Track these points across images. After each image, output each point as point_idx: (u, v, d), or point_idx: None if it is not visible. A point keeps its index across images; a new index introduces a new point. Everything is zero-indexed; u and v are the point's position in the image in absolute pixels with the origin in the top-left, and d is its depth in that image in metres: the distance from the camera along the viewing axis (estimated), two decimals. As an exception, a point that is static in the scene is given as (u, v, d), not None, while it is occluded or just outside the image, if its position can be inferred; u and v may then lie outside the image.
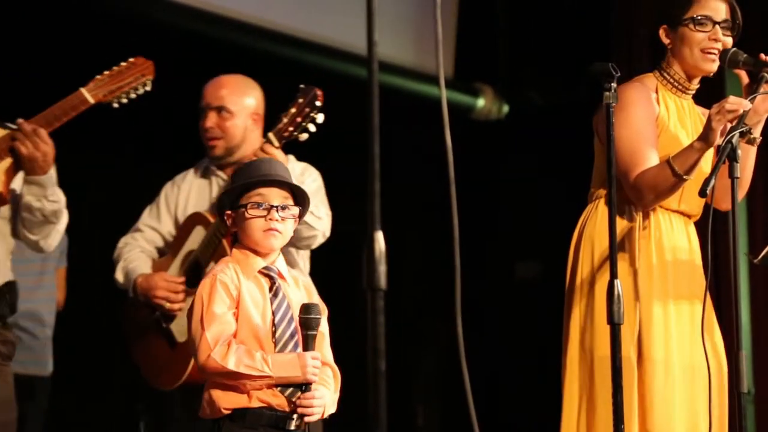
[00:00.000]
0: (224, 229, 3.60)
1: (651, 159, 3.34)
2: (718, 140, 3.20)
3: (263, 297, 3.05)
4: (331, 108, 3.84)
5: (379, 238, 2.18)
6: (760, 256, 3.40)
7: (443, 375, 6.24)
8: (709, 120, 3.22)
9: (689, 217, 3.47)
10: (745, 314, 5.42)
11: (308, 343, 3.01)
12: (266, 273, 3.09)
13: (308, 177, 3.76)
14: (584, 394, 3.41)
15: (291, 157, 3.80)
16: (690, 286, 3.40)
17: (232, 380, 2.96)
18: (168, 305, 3.72)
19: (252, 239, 3.07)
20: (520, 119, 6.44)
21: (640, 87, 3.45)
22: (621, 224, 3.42)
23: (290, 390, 3.00)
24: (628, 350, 3.35)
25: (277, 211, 3.05)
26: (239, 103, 3.79)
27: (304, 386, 2.99)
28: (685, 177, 3.29)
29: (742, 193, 3.48)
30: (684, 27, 3.41)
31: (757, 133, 3.39)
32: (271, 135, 3.63)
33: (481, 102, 6.40)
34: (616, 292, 3.13)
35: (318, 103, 3.59)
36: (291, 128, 3.60)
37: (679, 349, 3.37)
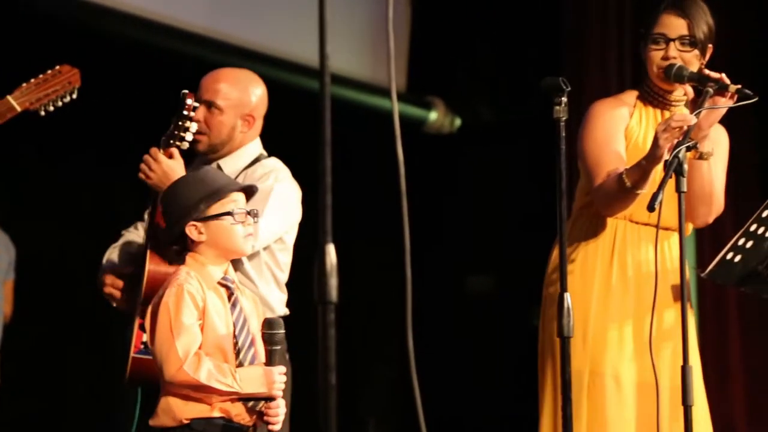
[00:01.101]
0: (150, 241, 3.56)
1: (612, 169, 3.39)
2: (666, 156, 3.24)
3: (224, 308, 3.05)
4: (284, 120, 3.84)
5: (331, 251, 2.17)
6: (708, 270, 3.44)
7: (394, 388, 6.24)
8: (656, 138, 3.27)
9: (666, 230, 3.48)
10: (693, 328, 5.47)
11: (273, 359, 3.02)
12: (224, 283, 3.08)
13: (264, 182, 3.70)
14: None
15: (273, 160, 3.75)
16: (661, 297, 3.39)
17: (199, 393, 2.95)
18: (114, 303, 3.70)
19: (229, 247, 3.08)
20: (472, 133, 6.47)
21: (609, 101, 3.52)
22: (588, 238, 3.45)
23: (252, 402, 3.00)
24: (580, 363, 3.38)
25: (250, 215, 3.10)
26: (229, 100, 3.68)
27: (267, 399, 3.01)
28: (635, 191, 3.33)
29: (714, 211, 3.52)
30: (646, 45, 3.47)
31: (705, 147, 3.43)
32: (162, 140, 3.60)
33: (433, 115, 6.42)
34: (565, 305, 3.16)
35: (185, 112, 3.50)
36: (170, 134, 3.55)
37: (639, 365, 3.40)
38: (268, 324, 3.03)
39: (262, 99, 3.76)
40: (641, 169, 3.31)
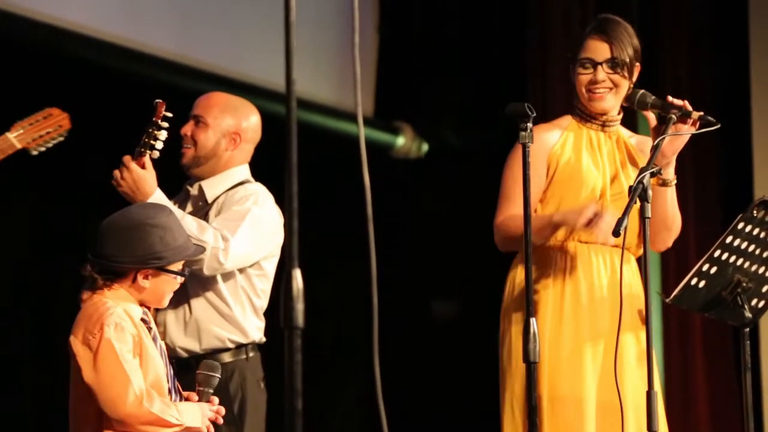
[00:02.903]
0: None
1: (516, 206, 3.44)
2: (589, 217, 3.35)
3: (151, 344, 3.04)
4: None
5: (297, 275, 2.17)
6: (672, 296, 3.46)
7: (361, 415, 6.22)
8: (568, 218, 3.40)
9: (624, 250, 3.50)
10: (658, 353, 5.50)
11: (201, 400, 3.08)
12: (144, 319, 3.08)
13: (242, 204, 3.70)
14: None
15: (257, 185, 3.76)
16: (615, 321, 3.39)
17: (153, 427, 2.93)
18: None
19: (159, 300, 3.09)
20: (439, 157, 6.49)
21: (542, 127, 3.55)
22: (538, 264, 3.47)
23: None
24: (539, 388, 3.38)
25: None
26: (218, 118, 3.74)
27: None
28: (535, 242, 3.40)
29: (673, 234, 3.55)
30: (575, 69, 3.53)
31: (668, 174, 3.46)
32: (135, 150, 3.62)
33: (400, 140, 6.44)
34: (531, 331, 3.16)
35: (155, 120, 3.53)
36: (141, 143, 3.56)
37: (601, 388, 3.40)
38: (206, 366, 3.09)
39: (253, 125, 3.81)
40: (548, 228, 3.42)
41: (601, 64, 3.49)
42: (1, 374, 4.96)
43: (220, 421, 3.10)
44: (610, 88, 3.50)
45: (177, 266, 3.07)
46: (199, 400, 3.06)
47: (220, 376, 3.10)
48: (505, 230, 3.49)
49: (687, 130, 3.42)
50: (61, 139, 3.62)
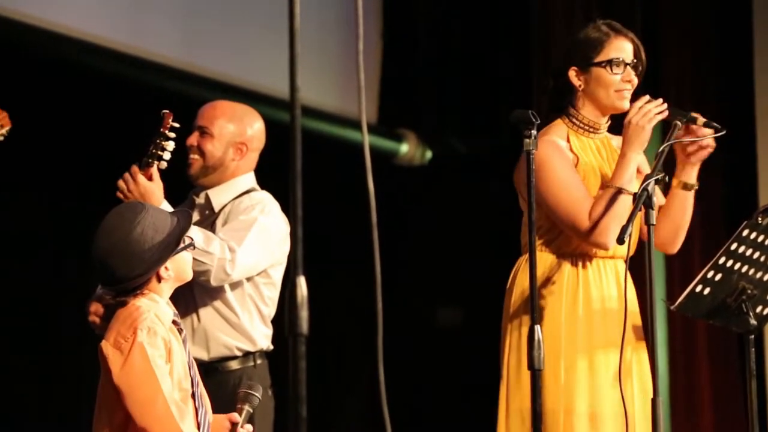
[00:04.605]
0: None
1: (591, 199, 3.38)
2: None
3: (180, 348, 3.03)
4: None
5: (302, 283, 2.17)
6: (677, 303, 3.45)
7: (365, 421, 6.22)
8: (629, 125, 3.32)
9: (614, 258, 3.47)
10: (663, 361, 5.50)
11: (243, 417, 3.08)
12: (175, 320, 3.07)
13: (249, 213, 3.70)
14: None
15: (263, 193, 3.76)
16: (628, 332, 3.37)
17: None
18: (96, 331, 3.69)
19: (186, 277, 3.10)
20: (443, 165, 6.50)
21: (549, 142, 3.45)
22: (550, 275, 3.44)
23: None
24: (554, 402, 3.36)
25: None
26: (223, 128, 3.75)
27: None
28: (629, 191, 3.34)
29: (680, 238, 3.55)
30: (598, 69, 3.44)
31: (691, 178, 3.46)
32: (142, 160, 3.60)
33: (404, 147, 6.44)
34: (536, 338, 3.15)
35: (162, 131, 3.52)
36: (149, 154, 3.55)
37: (611, 399, 3.38)
38: (248, 385, 3.11)
39: (258, 133, 3.82)
40: (630, 163, 3.34)
41: (629, 64, 3.44)
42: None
43: None
44: (630, 90, 3.45)
45: (183, 243, 3.07)
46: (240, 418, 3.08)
47: (260, 396, 3.10)
48: (602, 218, 3.35)
49: (692, 137, 3.41)
50: (1, 138, 3.47)
